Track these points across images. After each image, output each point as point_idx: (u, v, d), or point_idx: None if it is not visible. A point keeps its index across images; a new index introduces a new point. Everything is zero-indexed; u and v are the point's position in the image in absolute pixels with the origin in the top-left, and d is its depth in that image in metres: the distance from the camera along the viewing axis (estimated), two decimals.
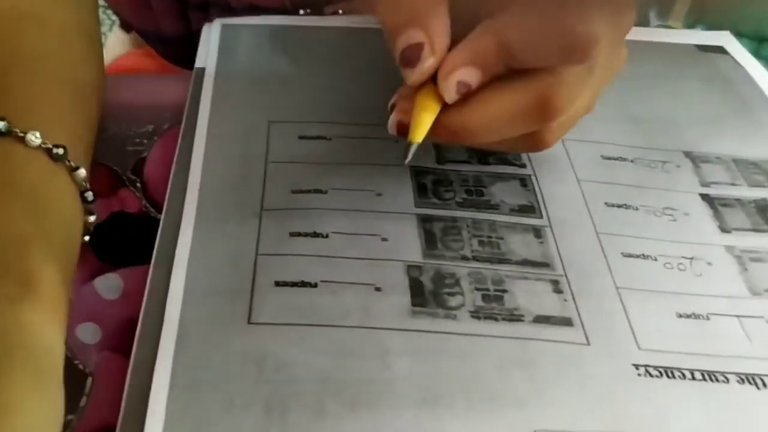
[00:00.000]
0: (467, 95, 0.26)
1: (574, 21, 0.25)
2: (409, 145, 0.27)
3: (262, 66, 0.39)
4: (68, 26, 0.34)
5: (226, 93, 0.37)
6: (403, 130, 0.27)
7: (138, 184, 0.35)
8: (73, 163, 0.28)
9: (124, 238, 0.33)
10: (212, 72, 0.38)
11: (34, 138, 0.27)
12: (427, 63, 0.25)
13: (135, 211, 0.34)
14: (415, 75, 0.26)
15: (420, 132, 0.26)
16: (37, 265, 0.24)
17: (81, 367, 0.28)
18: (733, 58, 0.43)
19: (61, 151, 0.28)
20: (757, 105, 0.40)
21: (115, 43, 0.81)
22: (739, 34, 0.53)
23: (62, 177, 0.28)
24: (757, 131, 0.38)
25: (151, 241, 0.31)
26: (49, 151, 0.28)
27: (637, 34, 0.46)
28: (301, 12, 0.44)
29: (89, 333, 0.29)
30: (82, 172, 0.29)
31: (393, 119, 0.28)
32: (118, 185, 0.35)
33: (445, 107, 0.27)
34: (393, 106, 0.28)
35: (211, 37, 0.41)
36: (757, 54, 0.56)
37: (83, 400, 0.27)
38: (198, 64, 0.39)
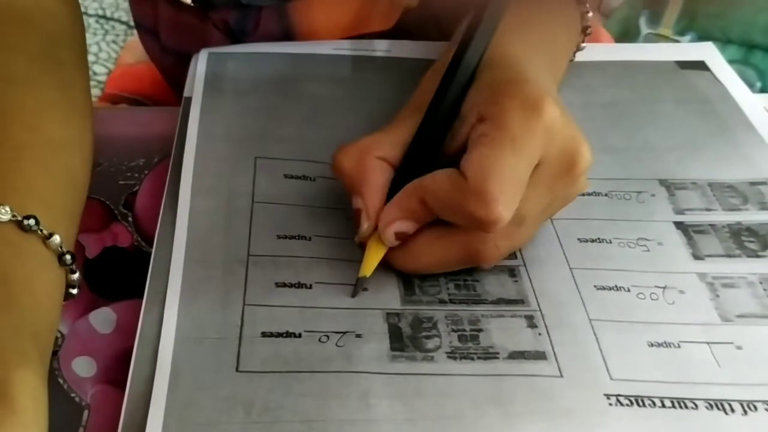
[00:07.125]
0: (406, 238, 0.31)
1: (473, 204, 0.28)
2: (359, 279, 0.31)
3: (249, 96, 0.40)
4: (46, 86, 0.33)
5: (212, 125, 0.38)
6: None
7: (130, 218, 0.36)
8: (46, 231, 0.28)
9: (117, 273, 0.34)
10: (198, 103, 0.39)
11: (3, 213, 0.27)
12: (364, 226, 0.31)
13: (127, 245, 0.35)
14: (358, 236, 0.32)
15: (368, 268, 0.31)
16: (13, 374, 0.23)
17: (77, 400, 0.30)
18: (713, 74, 0.43)
19: (32, 222, 0.28)
20: (735, 124, 0.40)
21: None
22: (728, 41, 0.53)
23: (36, 248, 0.28)
24: (734, 152, 0.39)
25: (143, 276, 0.32)
26: (19, 224, 0.27)
27: (615, 51, 0.46)
28: None
29: (84, 366, 0.31)
30: (57, 238, 0.28)
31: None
32: (110, 219, 0.36)
33: (393, 249, 0.31)
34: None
35: (198, 66, 0.42)
36: (745, 61, 0.56)
37: None
38: (186, 93, 0.40)
